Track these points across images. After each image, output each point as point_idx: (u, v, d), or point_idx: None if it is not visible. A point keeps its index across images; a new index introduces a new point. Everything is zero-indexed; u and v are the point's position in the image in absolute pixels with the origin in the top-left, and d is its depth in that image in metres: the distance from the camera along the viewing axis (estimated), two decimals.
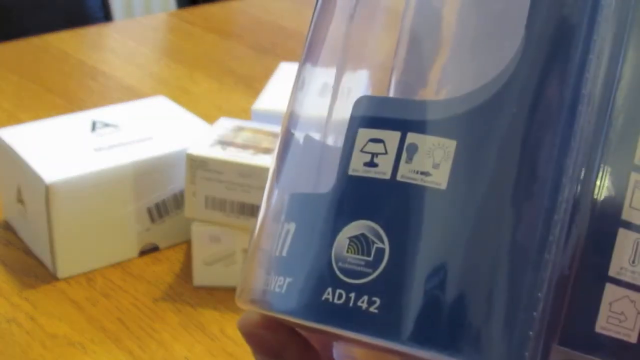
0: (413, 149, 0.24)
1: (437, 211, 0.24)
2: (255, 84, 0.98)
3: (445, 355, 0.23)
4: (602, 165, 0.24)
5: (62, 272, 0.64)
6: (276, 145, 0.29)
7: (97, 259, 0.65)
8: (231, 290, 0.63)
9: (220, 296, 0.62)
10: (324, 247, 0.25)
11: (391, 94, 0.27)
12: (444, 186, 0.24)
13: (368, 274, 0.24)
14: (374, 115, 0.25)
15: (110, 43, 1.13)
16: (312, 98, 0.28)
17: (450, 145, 0.24)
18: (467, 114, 0.24)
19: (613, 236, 0.24)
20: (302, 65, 0.29)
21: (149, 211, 0.66)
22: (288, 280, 0.25)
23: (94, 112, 0.71)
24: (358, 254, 0.24)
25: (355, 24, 0.28)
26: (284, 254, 0.26)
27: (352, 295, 0.24)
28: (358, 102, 0.25)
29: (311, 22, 0.30)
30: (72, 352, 0.57)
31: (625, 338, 0.24)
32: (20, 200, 0.66)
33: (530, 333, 0.23)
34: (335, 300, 0.24)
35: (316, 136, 0.27)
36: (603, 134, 0.24)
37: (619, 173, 0.24)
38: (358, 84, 0.28)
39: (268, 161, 0.60)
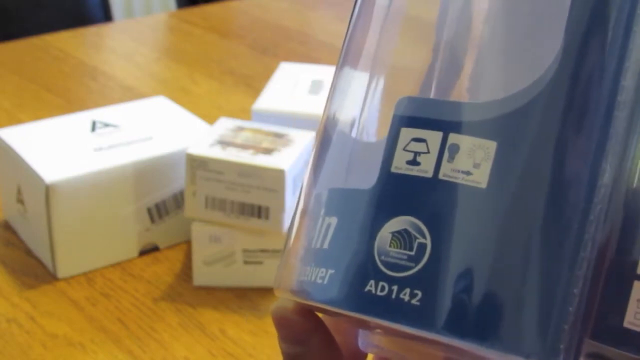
0: (455, 149, 0.25)
1: (477, 209, 0.25)
2: (255, 84, 0.98)
3: (483, 347, 0.24)
4: (633, 168, 0.25)
5: (62, 272, 0.64)
6: (315, 143, 0.30)
7: (97, 259, 0.65)
8: (231, 290, 0.63)
9: (220, 296, 0.62)
10: (366, 240, 0.26)
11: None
12: (484, 185, 0.25)
13: (410, 268, 0.25)
14: (416, 116, 0.26)
15: (110, 43, 1.13)
16: (347, 100, 0.29)
17: (491, 146, 0.25)
18: (508, 116, 0.25)
19: None
20: (338, 69, 0.30)
21: (149, 211, 0.66)
22: (330, 271, 0.26)
23: (94, 112, 0.71)
24: (400, 248, 0.25)
25: (386, 32, 0.29)
26: (326, 246, 0.26)
27: (395, 287, 0.25)
28: (400, 102, 0.26)
29: (348, 27, 0.30)
30: (72, 352, 0.57)
31: None
32: (20, 200, 0.66)
33: (565, 327, 0.24)
34: (378, 292, 0.25)
35: (351, 134, 0.28)
36: (636, 136, 0.25)
37: None
38: (390, 89, 0.29)
39: (268, 161, 0.60)
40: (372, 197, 0.26)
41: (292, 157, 0.61)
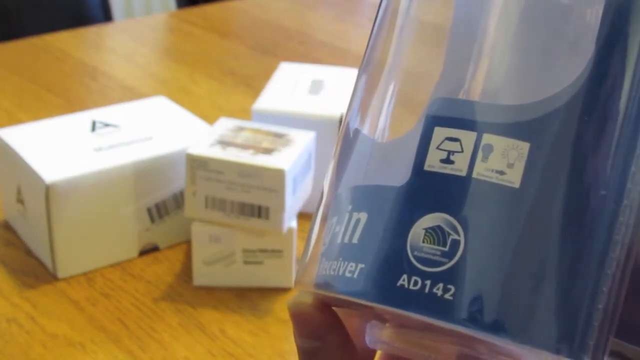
0: (488, 149, 0.26)
1: (511, 207, 0.25)
2: (255, 84, 0.98)
3: (515, 342, 0.25)
4: None
5: (62, 272, 0.64)
6: (336, 147, 0.30)
7: (97, 259, 0.65)
8: (231, 290, 0.63)
9: (220, 296, 0.62)
10: (399, 236, 0.26)
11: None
12: (517, 185, 0.25)
13: (444, 263, 0.25)
14: (450, 116, 0.27)
15: (110, 43, 1.13)
16: (368, 104, 0.30)
17: (524, 147, 0.26)
18: (541, 119, 0.26)
19: None
20: (361, 72, 0.31)
21: (149, 211, 0.66)
22: (360, 265, 0.26)
23: (94, 112, 0.71)
24: (434, 244, 0.26)
25: (403, 37, 0.30)
26: (355, 241, 0.27)
27: (428, 282, 0.25)
28: (434, 102, 0.27)
29: (372, 29, 0.31)
30: (72, 352, 0.57)
31: None
32: (20, 200, 0.66)
33: (595, 324, 0.25)
34: (411, 287, 0.25)
35: (374, 136, 0.29)
36: None
37: None
38: (409, 93, 0.29)
39: (268, 161, 0.60)
40: (405, 194, 0.27)
41: (292, 157, 0.61)
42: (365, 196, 0.28)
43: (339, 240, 0.28)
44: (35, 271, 0.65)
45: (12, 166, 0.66)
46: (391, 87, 0.30)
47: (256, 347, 0.58)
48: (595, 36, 0.26)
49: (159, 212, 0.66)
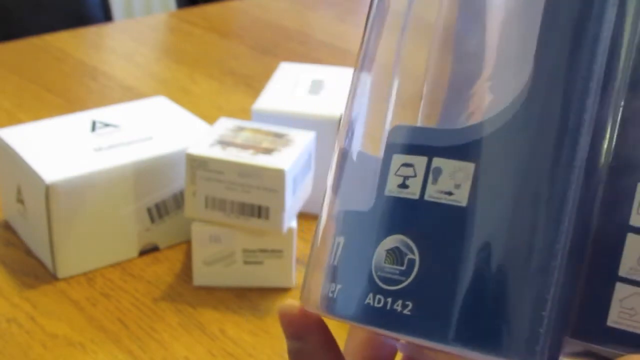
0: (438, 171, 0.28)
1: (459, 226, 0.27)
2: (255, 84, 0.98)
3: (466, 349, 0.27)
4: (608, 175, 0.28)
5: (62, 272, 0.64)
6: (334, 157, 0.32)
7: (97, 259, 0.65)
8: (231, 290, 0.63)
9: (220, 296, 0.62)
10: (366, 258, 0.29)
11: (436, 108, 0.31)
12: (464, 204, 0.27)
13: (402, 282, 0.28)
14: (405, 143, 0.29)
15: (110, 43, 1.13)
16: (365, 106, 0.32)
17: (470, 167, 0.28)
18: (484, 139, 0.28)
19: (622, 240, 0.27)
20: (356, 74, 0.33)
21: (149, 211, 0.66)
22: (339, 286, 0.29)
23: (94, 112, 0.71)
24: (393, 264, 0.28)
25: (404, 38, 0.31)
26: (336, 263, 0.30)
27: (390, 299, 0.28)
28: (393, 131, 0.29)
29: (364, 33, 0.33)
30: (72, 352, 0.57)
31: (637, 330, 0.27)
32: (20, 200, 0.66)
33: (540, 330, 0.26)
34: (376, 304, 0.28)
35: (369, 146, 0.31)
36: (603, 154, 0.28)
37: (627, 183, 0.27)
38: (405, 96, 0.31)
39: (268, 161, 0.60)
40: (371, 218, 0.29)
41: (292, 157, 0.61)
42: (344, 221, 0.30)
43: (328, 262, 0.30)
44: (35, 271, 0.65)
45: (12, 166, 0.66)
46: (389, 96, 0.31)
47: (256, 347, 0.58)
48: (533, 55, 0.27)
49: (159, 212, 0.66)
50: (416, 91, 0.30)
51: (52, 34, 1.11)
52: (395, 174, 0.29)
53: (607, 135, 0.28)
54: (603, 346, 0.27)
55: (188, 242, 0.68)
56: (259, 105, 0.71)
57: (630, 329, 0.27)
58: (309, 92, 0.73)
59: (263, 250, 0.62)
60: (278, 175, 0.60)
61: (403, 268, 0.28)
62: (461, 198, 0.27)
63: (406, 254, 0.28)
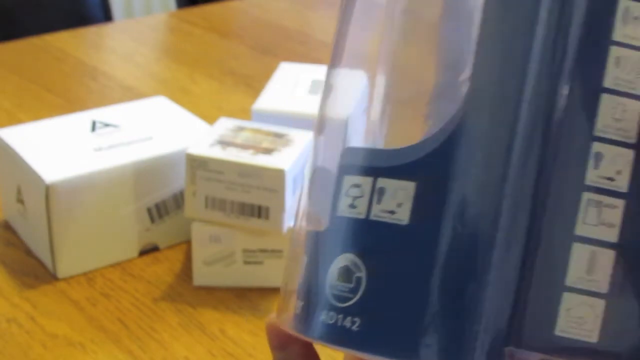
0: (382, 191, 0.29)
1: (401, 244, 0.29)
2: (255, 84, 0.98)
3: None
4: (554, 182, 0.28)
5: (62, 272, 0.64)
6: (306, 177, 0.33)
7: (97, 259, 0.65)
8: (231, 290, 0.63)
9: (220, 296, 0.62)
10: (322, 276, 0.30)
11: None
12: (405, 222, 0.29)
13: (351, 299, 0.29)
14: (355, 164, 0.30)
15: (110, 43, 1.13)
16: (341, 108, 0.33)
17: (410, 186, 0.29)
18: (424, 159, 0.29)
19: (568, 250, 0.28)
20: (330, 70, 0.34)
21: (149, 211, 0.66)
22: (301, 304, 0.31)
23: (94, 112, 0.71)
24: (344, 282, 0.29)
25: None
26: (300, 281, 0.31)
27: (340, 316, 0.29)
28: (344, 153, 0.31)
29: (337, 31, 0.34)
30: (72, 352, 0.57)
31: (586, 339, 0.28)
32: (20, 200, 0.66)
33: (476, 343, 0.28)
34: (329, 321, 0.29)
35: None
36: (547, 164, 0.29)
37: (571, 191, 0.28)
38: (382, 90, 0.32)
39: (268, 161, 0.60)
40: (326, 238, 0.31)
41: (292, 157, 0.61)
42: (307, 240, 0.32)
43: (296, 280, 0.32)
44: (35, 271, 0.65)
45: (12, 166, 0.66)
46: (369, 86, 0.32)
47: (256, 347, 0.58)
48: (469, 76, 0.28)
49: (159, 212, 0.66)
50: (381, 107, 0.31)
51: (52, 34, 1.11)
52: (345, 194, 0.30)
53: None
54: (551, 355, 0.28)
55: (188, 242, 0.68)
56: (259, 105, 0.71)
57: (580, 337, 0.28)
58: (309, 92, 0.73)
59: (263, 250, 0.62)
60: (278, 175, 0.60)
61: (352, 285, 0.29)
62: (403, 217, 0.29)
63: (354, 272, 0.29)
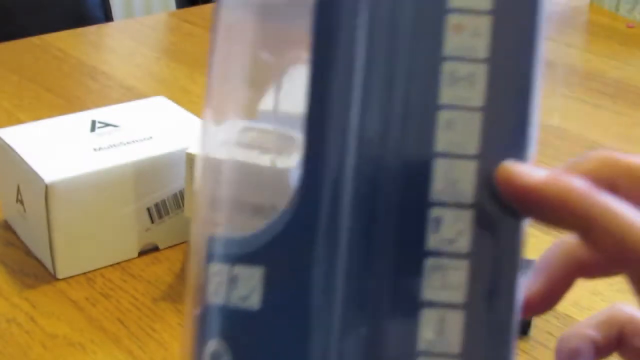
0: (236, 278, 0.30)
1: (256, 329, 0.30)
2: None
3: None
4: (395, 249, 0.30)
5: (62, 272, 0.64)
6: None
7: (97, 259, 0.65)
8: None
9: None
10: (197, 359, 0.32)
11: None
12: (256, 307, 0.30)
13: None
14: (216, 252, 0.31)
15: (110, 43, 1.13)
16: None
17: (259, 272, 0.30)
18: (269, 244, 0.30)
19: (416, 316, 0.29)
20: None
21: (149, 211, 0.66)
22: None
23: (94, 112, 0.71)
24: None
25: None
26: None
27: None
28: (209, 241, 0.32)
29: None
30: (72, 352, 0.57)
31: None
32: (20, 200, 0.66)
33: None
34: None
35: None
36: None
37: (413, 257, 0.30)
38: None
39: (272, 161, 0.60)
40: (199, 322, 0.32)
41: (298, 158, 0.61)
42: (192, 323, 0.33)
43: None
44: (35, 271, 0.64)
45: (12, 166, 0.66)
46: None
47: None
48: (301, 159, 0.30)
49: (159, 212, 0.66)
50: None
51: (52, 34, 1.11)
52: (210, 281, 0.31)
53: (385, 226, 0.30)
54: None
55: (188, 242, 0.68)
56: (262, 106, 0.71)
57: None
58: None
59: None
60: (283, 176, 0.59)
61: None
62: (254, 302, 0.30)
63: (221, 356, 0.31)
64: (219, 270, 0.31)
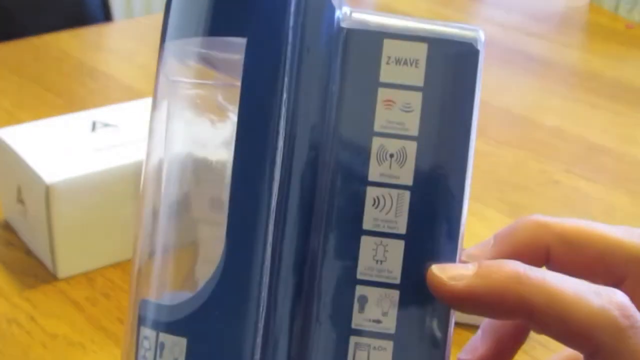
0: (162, 346, 0.30)
1: None
2: None
3: None
4: (317, 331, 0.30)
5: (62, 272, 0.64)
6: None
7: (97, 259, 0.65)
8: None
9: None
10: None
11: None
12: None
13: None
14: (146, 316, 0.31)
15: (110, 43, 1.13)
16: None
17: (183, 342, 0.30)
18: (192, 315, 0.30)
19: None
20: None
21: None
22: None
23: (94, 112, 0.71)
24: None
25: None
26: None
27: None
28: (141, 304, 0.32)
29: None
30: (72, 352, 0.57)
31: None
32: (20, 200, 0.66)
33: None
34: None
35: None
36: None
37: (338, 335, 0.30)
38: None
39: None
40: None
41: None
42: None
43: None
44: (35, 271, 0.65)
45: (12, 166, 0.66)
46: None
47: None
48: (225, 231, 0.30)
49: None
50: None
51: (52, 34, 1.11)
52: (140, 345, 0.31)
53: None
54: None
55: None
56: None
57: None
58: None
59: None
60: None
61: None
62: None
63: None
64: (147, 335, 0.31)
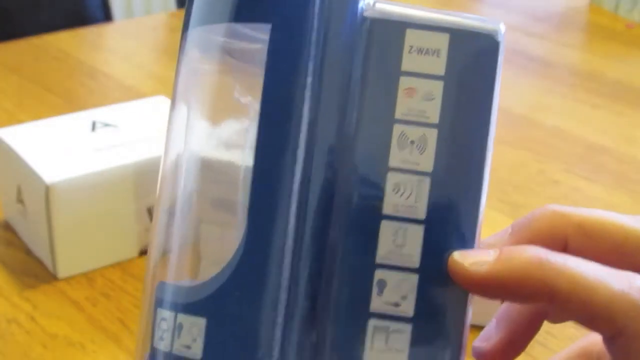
0: (180, 327, 0.31)
1: None
2: None
3: None
4: (337, 312, 0.30)
5: (62, 272, 0.64)
6: None
7: (97, 259, 0.65)
8: None
9: None
10: None
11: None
12: (199, 356, 0.30)
13: None
14: (163, 298, 0.32)
15: (110, 43, 1.13)
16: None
17: (202, 322, 0.30)
18: (212, 296, 0.30)
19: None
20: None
21: (149, 211, 0.66)
22: None
23: (94, 112, 0.71)
24: None
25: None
26: None
27: None
28: (158, 286, 0.32)
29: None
30: (72, 352, 0.57)
31: None
32: (20, 200, 0.66)
33: None
34: None
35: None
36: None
37: (356, 319, 0.30)
38: None
39: None
40: None
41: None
42: None
43: None
44: (35, 271, 0.65)
45: (12, 166, 0.66)
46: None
47: None
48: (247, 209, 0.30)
49: None
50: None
51: (52, 34, 1.11)
52: (158, 326, 0.31)
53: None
54: None
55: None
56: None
57: None
58: None
59: None
60: None
61: None
62: (197, 352, 0.30)
63: None
64: (165, 317, 0.31)
